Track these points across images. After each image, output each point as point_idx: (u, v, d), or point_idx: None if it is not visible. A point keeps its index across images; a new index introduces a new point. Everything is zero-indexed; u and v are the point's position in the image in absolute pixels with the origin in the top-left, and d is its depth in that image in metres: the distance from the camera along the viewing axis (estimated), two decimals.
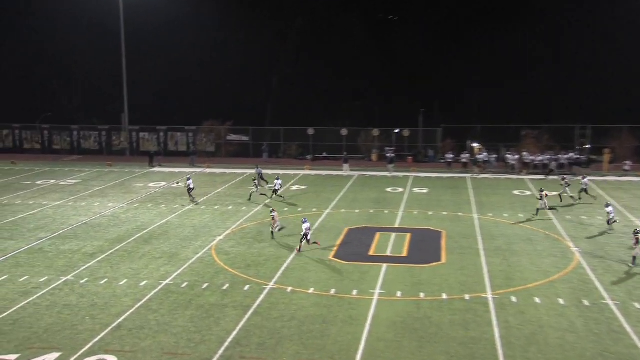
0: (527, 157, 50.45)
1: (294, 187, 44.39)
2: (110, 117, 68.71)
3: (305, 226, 27.74)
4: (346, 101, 72.59)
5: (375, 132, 58.91)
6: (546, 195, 34.40)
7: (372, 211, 36.38)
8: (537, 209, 34.28)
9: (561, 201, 37.19)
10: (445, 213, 35.77)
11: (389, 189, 43.43)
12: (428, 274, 25.12)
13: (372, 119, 68.15)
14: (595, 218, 33.62)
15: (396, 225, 33.02)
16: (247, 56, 74.01)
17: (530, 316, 20.82)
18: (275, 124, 64.92)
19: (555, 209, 34.91)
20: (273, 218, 30.65)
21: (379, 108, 71.75)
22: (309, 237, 27.71)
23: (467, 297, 22.52)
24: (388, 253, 28.04)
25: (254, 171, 46.82)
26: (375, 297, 22.53)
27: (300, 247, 27.98)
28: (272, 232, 30.50)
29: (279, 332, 19.65)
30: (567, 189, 37.05)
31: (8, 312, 21.14)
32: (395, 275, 24.95)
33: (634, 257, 25.43)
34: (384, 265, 26.09)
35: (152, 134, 62.70)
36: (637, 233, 25.18)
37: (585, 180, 37.94)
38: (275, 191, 39.37)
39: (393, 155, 52.70)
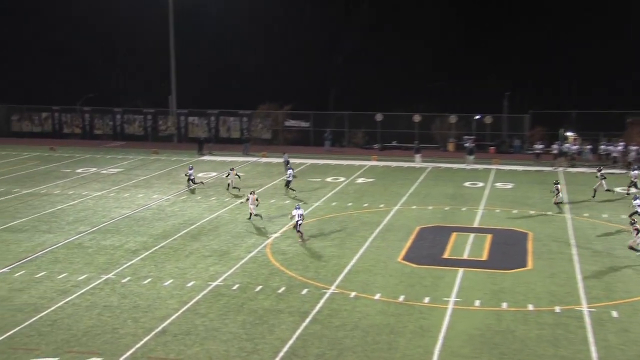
0: (632, 148, 48.92)
1: (359, 180, 44.32)
2: (156, 100, 70.24)
3: (297, 212, 29.58)
4: (420, 83, 71.90)
5: (453, 118, 58.21)
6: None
7: (447, 208, 35.96)
8: (556, 203, 35.38)
9: (594, 197, 37.65)
10: (532, 212, 35.04)
11: (467, 184, 42.84)
12: (511, 281, 24.66)
13: (449, 104, 67.24)
14: None
15: (475, 225, 32.55)
16: (309, 33, 74.19)
17: (636, 335, 20.13)
18: (339, 108, 64.99)
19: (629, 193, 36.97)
20: (249, 200, 33.04)
21: (457, 91, 70.73)
22: (299, 225, 29.46)
23: (557, 309, 21.98)
24: (465, 256, 27.67)
25: (294, 160, 46.92)
26: (450, 306, 22.26)
27: (302, 236, 29.61)
28: (251, 214, 33.05)
29: (340, 342, 19.64)
30: (603, 182, 37.54)
31: (46, 312, 21.87)
32: (474, 281, 24.59)
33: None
34: (461, 270, 25.76)
35: (202, 118, 63.70)
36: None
37: (636, 172, 38.70)
38: (287, 182, 39.52)
39: (472, 145, 51.95)
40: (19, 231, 31.71)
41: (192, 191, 40.53)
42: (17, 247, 29.04)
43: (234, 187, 40.73)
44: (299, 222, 29.60)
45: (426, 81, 72.08)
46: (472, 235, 30.56)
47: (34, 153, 56.50)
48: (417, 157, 51.44)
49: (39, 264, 26.86)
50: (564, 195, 37.68)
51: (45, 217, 34.40)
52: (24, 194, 40.07)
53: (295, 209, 30.09)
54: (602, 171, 38.60)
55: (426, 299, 22.84)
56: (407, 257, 27.45)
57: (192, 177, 41.20)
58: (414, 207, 36.50)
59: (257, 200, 33.28)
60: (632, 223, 27.59)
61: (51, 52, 78.09)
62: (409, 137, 57.73)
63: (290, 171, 39.87)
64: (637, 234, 26.90)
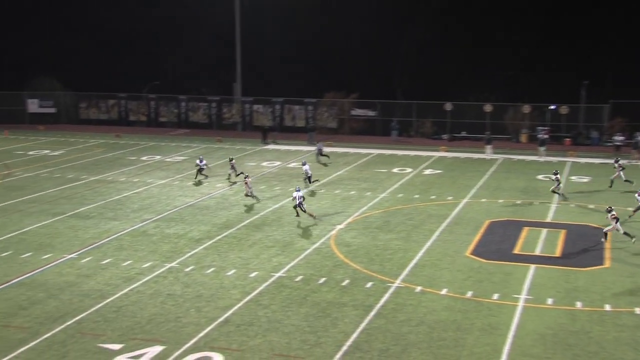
0: None
1: (427, 171, 43.99)
2: (221, 87, 71.12)
3: (297, 194, 31.56)
4: (491, 71, 70.66)
5: (526, 108, 57.11)
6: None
7: (518, 202, 35.36)
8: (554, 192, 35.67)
9: (610, 186, 38.22)
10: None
11: (540, 176, 42.03)
12: (587, 279, 24.10)
13: (522, 93, 65.89)
14: None
15: (548, 220, 31.93)
16: (376, 18, 73.80)
17: None
18: (407, 97, 64.50)
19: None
20: (246, 184, 34.93)
21: (531, 80, 69.22)
22: (302, 205, 31.38)
23: (637, 310, 21.38)
24: (537, 252, 27.18)
25: (352, 150, 46.78)
26: (521, 304, 21.91)
27: (311, 213, 31.67)
28: (249, 195, 35.14)
29: (405, 337, 19.58)
30: (621, 172, 38.00)
31: (112, 299, 22.48)
32: (546, 278, 24.14)
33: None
34: (532, 267, 25.32)
35: (267, 106, 64.25)
36: None
37: None
38: (309, 178, 38.64)
39: (546, 136, 50.90)
40: (86, 218, 32.66)
41: (198, 183, 40.39)
42: (84, 234, 29.93)
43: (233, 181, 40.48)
44: (301, 202, 31.47)
45: (499, 69, 70.74)
46: (544, 231, 29.99)
47: (101, 140, 58.02)
48: (488, 148, 50.69)
49: (105, 250, 27.62)
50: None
51: (111, 205, 35.31)
52: (91, 180, 41.21)
53: (296, 191, 32.10)
54: (620, 161, 38.88)
55: (495, 296, 22.54)
56: (475, 252, 27.14)
57: (202, 169, 40.96)
58: (484, 200, 36.04)
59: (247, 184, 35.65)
60: (609, 211, 28.34)
61: (118, 39, 79.82)
62: (480, 127, 56.95)
63: (305, 166, 38.72)
64: (616, 222, 27.72)
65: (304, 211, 31.57)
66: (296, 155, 50.50)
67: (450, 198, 36.28)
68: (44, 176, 42.46)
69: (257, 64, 72.20)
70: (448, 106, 58.09)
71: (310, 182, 38.76)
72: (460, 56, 71.20)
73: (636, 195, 31.85)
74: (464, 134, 58.54)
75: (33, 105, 68.61)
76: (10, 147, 54.05)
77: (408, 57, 74.95)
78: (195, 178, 41.21)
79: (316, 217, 31.78)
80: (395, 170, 44.56)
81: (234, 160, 41.07)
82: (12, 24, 79.20)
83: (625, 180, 38.11)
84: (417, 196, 36.90)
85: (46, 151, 51.94)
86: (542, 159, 48.39)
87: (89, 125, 68.08)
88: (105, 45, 79.20)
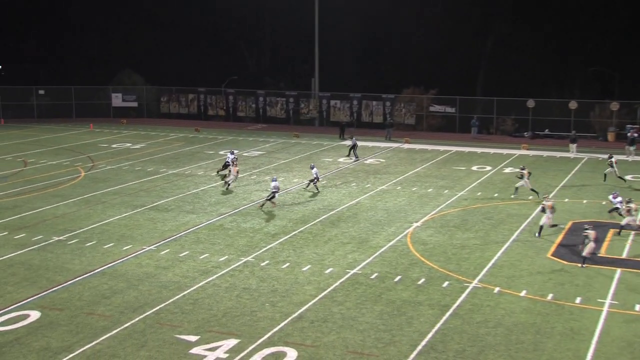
0: None
1: (507, 170, 43.24)
2: (299, 82, 71.62)
3: (273, 184, 33.01)
4: (577, 67, 68.73)
5: (614, 105, 55.36)
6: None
7: (604, 203, 34.34)
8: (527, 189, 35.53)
9: (604, 180, 38.70)
10: None
11: (628, 177, 40.70)
12: None
13: (610, 90, 63.93)
14: None
15: (637, 223, 30.90)
16: (456, 12, 72.83)
17: None
18: (488, 93, 63.48)
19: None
20: (233, 171, 37.16)
21: (619, 75, 67.03)
22: (274, 198, 33.03)
23: None
24: (624, 255, 26.35)
25: (399, 145, 46.19)
26: (605, 309, 21.28)
27: (264, 204, 33.27)
28: (227, 182, 37.33)
29: (481, 339, 19.30)
30: (614, 168, 38.31)
31: (188, 291, 22.95)
32: (634, 284, 23.36)
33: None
34: (618, 270, 24.56)
35: (344, 102, 64.31)
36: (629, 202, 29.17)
37: None
38: (313, 180, 37.23)
39: (636, 134, 49.20)
40: (165, 210, 33.42)
41: (223, 177, 40.21)
42: (162, 226, 30.63)
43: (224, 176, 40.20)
44: (274, 193, 33.14)
45: (584, 64, 68.62)
46: (632, 233, 29.03)
47: (180, 134, 59.25)
48: (573, 146, 49.40)
49: (183, 243, 28.20)
50: None
51: (188, 198, 36.02)
52: (170, 174, 42.14)
53: (272, 180, 33.92)
54: (613, 158, 39.07)
55: (578, 299, 21.96)
56: (557, 253, 26.52)
57: (228, 162, 40.62)
58: (567, 200, 35.17)
59: (237, 172, 37.68)
60: (546, 198, 29.41)
61: (199, 35, 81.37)
62: (563, 125, 55.53)
63: (313, 170, 37.64)
64: (552, 212, 28.58)
65: (273, 203, 33.37)
66: (373, 152, 50.37)
67: (531, 197, 35.54)
68: (125, 169, 43.67)
69: (335, 59, 72.38)
70: (530, 103, 56.89)
71: (315, 184, 37.40)
72: (544, 51, 69.60)
73: (610, 197, 30.78)
74: (547, 131, 57.23)
75: (117, 100, 70.63)
76: (95, 139, 55.81)
77: (490, 52, 73.72)
78: (219, 172, 41.63)
79: (264, 207, 33.27)
80: (474, 168, 43.96)
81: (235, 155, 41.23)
82: (99, 19, 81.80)
83: (619, 177, 38.61)
84: (496, 195, 36.32)
85: (128, 144, 53.40)
86: (631, 158, 46.85)
87: (169, 119, 69.62)
88: (186, 40, 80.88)
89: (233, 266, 25.34)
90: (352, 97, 64.07)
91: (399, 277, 24.09)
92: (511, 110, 58.98)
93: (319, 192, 37.04)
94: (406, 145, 53.35)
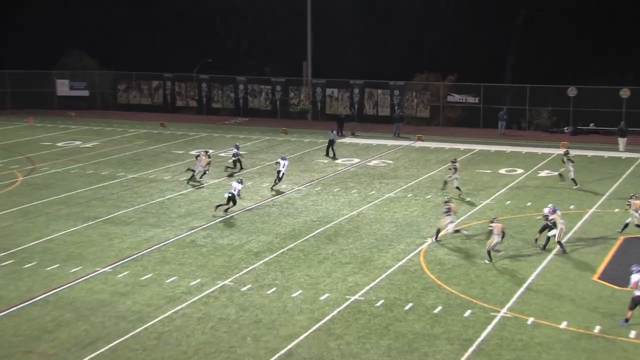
0: None
1: (542, 173, 43.29)
2: (288, 67, 71.42)
3: (236, 186, 34.66)
4: (627, 49, 68.92)
5: None
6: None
7: None
8: None
9: (561, 178, 40.10)
10: None
11: None
12: None
13: None
14: None
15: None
16: None
17: None
18: (518, 80, 63.58)
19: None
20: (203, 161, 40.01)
21: None
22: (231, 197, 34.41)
23: None
24: None
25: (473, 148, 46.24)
26: None
27: (217, 209, 34.44)
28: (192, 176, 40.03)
29: None
30: (570, 166, 39.69)
31: (152, 322, 22.85)
32: None
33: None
34: None
35: (344, 90, 64.39)
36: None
37: None
38: (279, 173, 39.39)
39: None
40: (123, 224, 33.32)
41: (231, 175, 41.84)
42: (120, 243, 30.54)
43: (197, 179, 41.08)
44: (233, 194, 34.42)
45: (637, 45, 68.85)
46: None
47: (142, 130, 59.19)
48: (622, 141, 49.61)
49: (145, 264, 28.10)
50: None
51: (153, 208, 35.94)
52: (130, 179, 42.05)
53: (237, 182, 35.21)
54: (569, 155, 40.33)
55: (632, 333, 21.98)
56: (605, 276, 26.54)
57: (239, 159, 42.73)
58: (617, 210, 35.24)
59: (209, 164, 40.52)
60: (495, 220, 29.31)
61: (165, 9, 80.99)
62: (613, 118, 55.51)
63: (283, 161, 39.56)
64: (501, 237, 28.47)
65: (233, 204, 34.63)
66: (379, 151, 50.40)
67: (572, 207, 35.60)
68: (74, 173, 43.57)
69: (332, 38, 72.21)
70: (572, 91, 57.02)
71: (278, 182, 39.35)
72: (586, 29, 69.65)
73: (545, 210, 30.74)
74: (592, 126, 57.34)
75: (63, 87, 70.47)
76: (36, 137, 55.70)
77: (521, 29, 73.78)
78: (235, 167, 43.15)
79: (217, 209, 34.53)
80: (502, 171, 44.00)
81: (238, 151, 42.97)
82: None
83: (573, 179, 39.85)
84: (529, 204, 36.33)
85: (77, 142, 53.33)
86: None
87: (128, 111, 69.54)
88: (149, 15, 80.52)
89: (207, 291, 25.25)
90: (352, 84, 64.15)
91: (410, 304, 24.05)
92: (547, 100, 59.11)
93: (274, 186, 39.41)
94: (419, 144, 53.39)
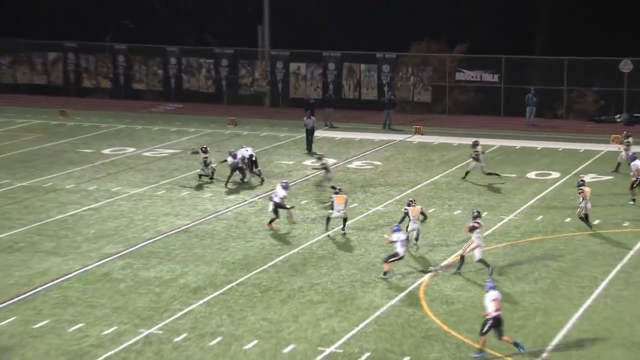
0: None
1: (587, 177, 43.41)
2: (237, 33, 71.26)
3: (279, 192, 35.42)
4: None
5: None
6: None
7: None
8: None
9: (465, 177, 43.11)
10: None
11: None
12: None
13: None
14: None
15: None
16: None
17: None
18: (551, 52, 63.90)
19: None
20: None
21: None
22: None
23: None
24: None
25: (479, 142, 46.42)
26: None
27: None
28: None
29: None
30: (476, 162, 42.57)
31: None
32: None
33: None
34: None
35: (314, 65, 64.28)
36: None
37: None
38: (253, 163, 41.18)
39: None
40: (7, 250, 33.10)
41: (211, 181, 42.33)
42: (6, 278, 30.27)
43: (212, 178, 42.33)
44: (276, 203, 35.35)
45: None
46: None
47: (35, 120, 58.91)
48: None
49: (39, 306, 27.88)
50: None
51: (50, 228, 35.77)
52: (18, 188, 41.82)
53: (281, 186, 36.03)
54: (478, 147, 43.09)
55: None
56: None
57: (250, 161, 42.79)
58: None
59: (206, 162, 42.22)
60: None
61: None
62: None
63: (244, 149, 42.00)
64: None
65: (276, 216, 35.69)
66: (362, 149, 50.46)
67: (626, 224, 35.87)
68: None
69: None
70: (626, 65, 57.34)
71: (254, 170, 41.75)
72: None
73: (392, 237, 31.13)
74: None
75: None
76: None
77: None
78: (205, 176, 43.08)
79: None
80: (531, 175, 44.18)
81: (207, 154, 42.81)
82: None
83: (488, 173, 42.85)
84: (568, 219, 36.52)
85: None
86: None
87: (14, 94, 69.02)
88: None
89: (127, 344, 25.14)
90: (326, 57, 64.11)
91: (406, 358, 24.09)
92: (593, 77, 59.33)
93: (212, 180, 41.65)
94: (417, 138, 53.48)
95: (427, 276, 30.21)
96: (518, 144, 51.68)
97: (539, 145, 51.40)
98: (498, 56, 60.84)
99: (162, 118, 60.58)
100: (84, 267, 31.27)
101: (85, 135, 54.14)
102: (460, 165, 46.18)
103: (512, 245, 33.49)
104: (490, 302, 23.40)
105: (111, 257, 32.30)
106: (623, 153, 41.44)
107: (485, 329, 23.40)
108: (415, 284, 29.46)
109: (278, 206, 35.29)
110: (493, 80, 61.46)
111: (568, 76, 59.70)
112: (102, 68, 69.38)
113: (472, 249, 30.20)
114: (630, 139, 41.16)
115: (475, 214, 31.07)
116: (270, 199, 35.61)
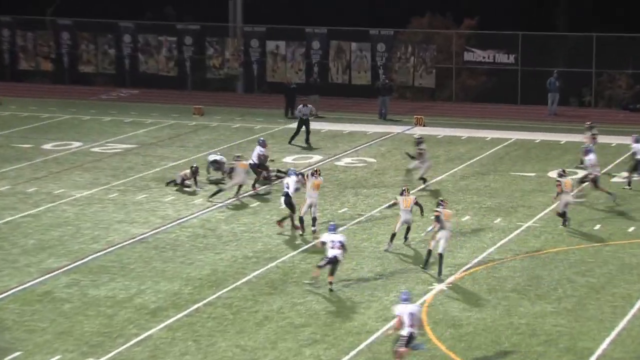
0: None
1: (616, 178, 43.59)
2: (204, 6, 71.36)
3: (288, 181, 36.05)
4: None
5: None
6: None
7: None
8: None
9: (406, 174, 44.05)
10: None
11: None
12: None
13: None
14: None
15: None
16: None
17: None
18: (576, 28, 64.04)
19: None
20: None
21: None
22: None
23: None
24: None
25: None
26: None
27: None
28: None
29: None
30: (419, 162, 43.46)
31: None
32: None
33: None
34: None
35: (295, 44, 64.38)
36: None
37: None
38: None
39: None
40: None
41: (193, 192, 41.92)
42: None
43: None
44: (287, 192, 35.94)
45: None
46: None
47: None
48: None
49: None
50: None
51: None
52: None
53: (292, 173, 37.03)
54: (422, 144, 44.13)
55: None
56: None
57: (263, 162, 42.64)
58: None
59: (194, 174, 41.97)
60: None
61: None
62: None
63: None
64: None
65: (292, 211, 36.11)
66: (353, 143, 50.55)
67: None
68: None
69: None
70: None
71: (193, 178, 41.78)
72: None
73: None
74: None
75: None
76: None
77: None
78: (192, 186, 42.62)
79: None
80: (552, 174, 44.26)
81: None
82: None
83: (421, 178, 43.43)
84: (597, 227, 36.64)
85: None
86: None
87: None
88: None
89: None
90: (310, 33, 64.20)
91: None
92: (627, 57, 59.51)
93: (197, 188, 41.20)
94: (418, 130, 53.58)
95: (431, 293, 30.24)
96: (538, 137, 51.86)
97: (563, 138, 51.58)
98: (514, 32, 61.03)
99: (115, 107, 60.58)
100: (21, 285, 31.24)
101: (22, 128, 54.11)
102: (469, 162, 46.36)
103: (530, 256, 33.55)
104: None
105: (54, 273, 32.27)
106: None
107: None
108: (419, 302, 29.48)
109: (289, 201, 35.56)
110: (508, 62, 61.65)
111: (597, 56, 59.90)
112: (42, 47, 69.41)
113: (438, 239, 31.51)
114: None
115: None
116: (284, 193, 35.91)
